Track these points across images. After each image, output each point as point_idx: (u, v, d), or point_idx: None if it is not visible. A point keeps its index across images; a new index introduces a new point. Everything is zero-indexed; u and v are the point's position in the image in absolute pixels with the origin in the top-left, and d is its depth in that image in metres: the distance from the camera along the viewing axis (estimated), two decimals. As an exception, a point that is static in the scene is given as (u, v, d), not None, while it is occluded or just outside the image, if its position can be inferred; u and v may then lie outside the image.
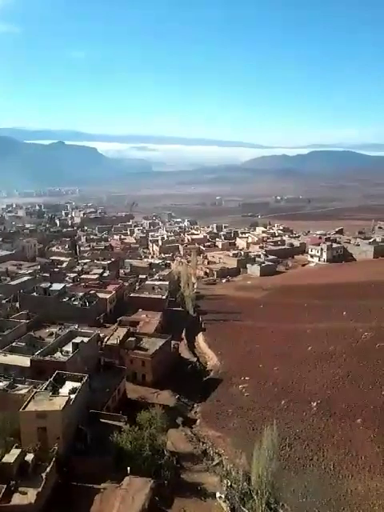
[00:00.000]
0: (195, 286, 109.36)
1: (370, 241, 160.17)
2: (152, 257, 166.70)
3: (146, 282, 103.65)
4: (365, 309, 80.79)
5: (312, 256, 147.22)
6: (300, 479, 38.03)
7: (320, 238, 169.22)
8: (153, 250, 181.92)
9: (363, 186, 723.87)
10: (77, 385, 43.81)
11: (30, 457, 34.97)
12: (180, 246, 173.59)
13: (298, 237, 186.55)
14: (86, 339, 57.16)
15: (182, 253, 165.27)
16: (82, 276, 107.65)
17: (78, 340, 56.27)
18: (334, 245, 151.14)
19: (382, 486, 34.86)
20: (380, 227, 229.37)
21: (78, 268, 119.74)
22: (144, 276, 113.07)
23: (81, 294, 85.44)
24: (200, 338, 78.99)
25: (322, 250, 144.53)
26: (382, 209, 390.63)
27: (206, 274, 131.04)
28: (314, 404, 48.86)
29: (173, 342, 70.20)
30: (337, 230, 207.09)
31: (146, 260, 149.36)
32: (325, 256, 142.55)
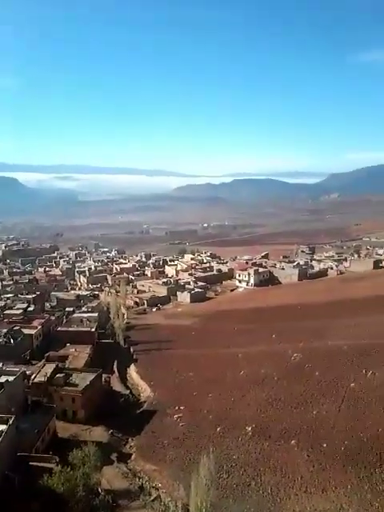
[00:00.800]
0: (125, 317, 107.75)
1: (294, 264, 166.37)
2: (79, 288, 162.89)
3: (74, 315, 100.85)
4: (293, 330, 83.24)
5: (240, 281, 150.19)
6: (239, 506, 37.61)
7: (247, 263, 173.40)
8: (80, 282, 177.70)
9: (284, 212, 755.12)
10: (2, 427, 41.12)
11: None
12: (108, 276, 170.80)
13: (226, 263, 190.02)
14: (11, 378, 53.93)
15: (110, 283, 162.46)
16: (6, 311, 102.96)
17: (2, 379, 53.10)
18: (261, 269, 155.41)
19: (318, 505, 35.23)
20: (303, 251, 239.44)
21: (1, 303, 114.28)
22: (71, 309, 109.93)
23: (4, 330, 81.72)
24: (132, 370, 77.32)
25: (249, 274, 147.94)
26: (302, 233, 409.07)
27: (136, 303, 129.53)
28: (249, 428, 48.96)
29: (104, 376, 68.16)
30: (262, 254, 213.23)
31: (73, 292, 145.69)
32: (252, 280, 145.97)
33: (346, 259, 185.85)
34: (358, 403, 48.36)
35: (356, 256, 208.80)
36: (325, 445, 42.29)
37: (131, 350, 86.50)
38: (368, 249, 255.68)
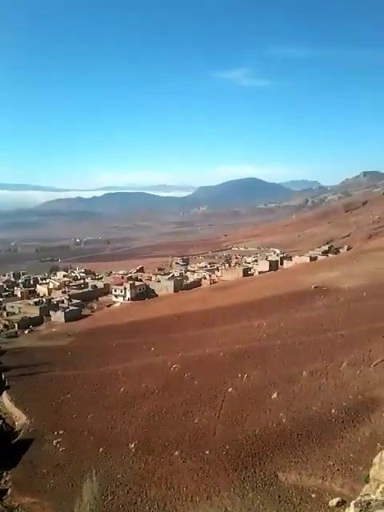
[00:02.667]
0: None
1: (169, 276, 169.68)
2: None
3: None
4: (171, 341, 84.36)
5: (116, 296, 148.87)
6: (126, 528, 36.76)
7: (123, 277, 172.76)
8: None
9: (156, 225, 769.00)
10: None
11: None
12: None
13: (101, 278, 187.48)
14: None
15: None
16: None
17: None
18: (137, 283, 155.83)
19: (204, 512, 35.84)
20: (177, 262, 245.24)
21: None
22: None
23: None
24: (4, 397, 71.88)
25: (125, 289, 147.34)
26: (175, 245, 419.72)
27: (5, 326, 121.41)
28: (132, 445, 48.22)
29: (-28, 408, 62.66)
30: (138, 268, 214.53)
31: None
32: (129, 295, 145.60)
33: (217, 269, 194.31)
34: (236, 407, 50.28)
35: (227, 265, 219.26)
36: (207, 452, 43.17)
37: (2, 376, 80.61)
38: (237, 258, 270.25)
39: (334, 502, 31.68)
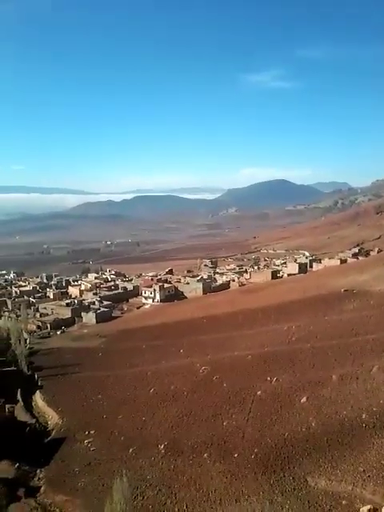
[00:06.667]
0: (28, 342, 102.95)
1: (198, 278, 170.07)
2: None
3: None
4: (200, 344, 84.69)
5: (146, 298, 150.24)
6: (155, 528, 37.25)
7: (152, 279, 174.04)
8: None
9: (185, 227, 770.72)
10: None
11: None
12: (7, 301, 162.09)
13: (131, 280, 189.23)
14: None
15: (10, 307, 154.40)
16: None
17: None
18: (166, 285, 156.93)
19: (232, 515, 35.99)
20: (206, 265, 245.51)
21: None
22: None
23: None
24: (37, 397, 73.70)
25: (154, 290, 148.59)
26: (204, 248, 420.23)
27: (38, 327, 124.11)
28: (162, 446, 48.77)
29: (7, 406, 64.35)
30: (167, 270, 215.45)
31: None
32: (158, 296, 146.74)
33: (246, 271, 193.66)
34: (265, 410, 50.19)
35: (255, 268, 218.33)
36: (236, 455, 43.29)
37: (36, 376, 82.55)
38: (266, 260, 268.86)
39: (365, 509, 31.32)
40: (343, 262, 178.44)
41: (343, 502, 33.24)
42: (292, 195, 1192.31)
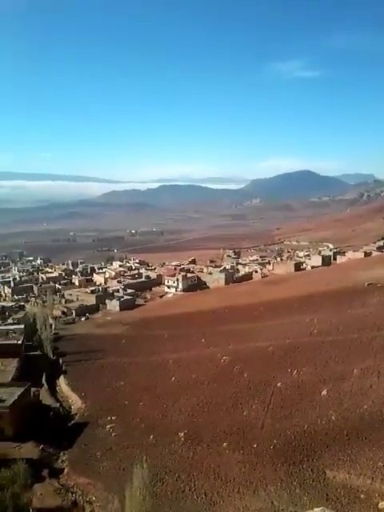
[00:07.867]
0: (53, 327, 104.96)
1: (221, 269, 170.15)
2: (4, 299, 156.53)
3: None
4: (221, 334, 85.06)
5: (169, 287, 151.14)
6: (174, 513, 37.97)
7: (175, 268, 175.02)
8: (4, 293, 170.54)
9: (209, 218, 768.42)
10: None
11: None
12: (34, 286, 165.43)
13: (154, 269, 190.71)
14: None
15: (36, 293, 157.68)
16: None
17: None
18: (189, 274, 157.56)
19: (250, 505, 36.35)
20: (228, 255, 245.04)
21: None
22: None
23: None
24: (61, 382, 75.42)
25: (177, 280, 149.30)
26: (227, 238, 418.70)
27: (63, 313, 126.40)
28: (182, 434, 49.50)
29: (33, 389, 65.80)
30: (190, 260, 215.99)
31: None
32: (181, 286, 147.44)
33: (269, 262, 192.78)
34: (285, 402, 50.40)
35: (278, 259, 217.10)
36: (255, 445, 43.66)
37: (60, 361, 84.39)
38: (289, 252, 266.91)
39: (383, 504, 31.39)
40: (367, 255, 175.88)
41: (361, 496, 33.31)
42: (317, 186, 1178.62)
